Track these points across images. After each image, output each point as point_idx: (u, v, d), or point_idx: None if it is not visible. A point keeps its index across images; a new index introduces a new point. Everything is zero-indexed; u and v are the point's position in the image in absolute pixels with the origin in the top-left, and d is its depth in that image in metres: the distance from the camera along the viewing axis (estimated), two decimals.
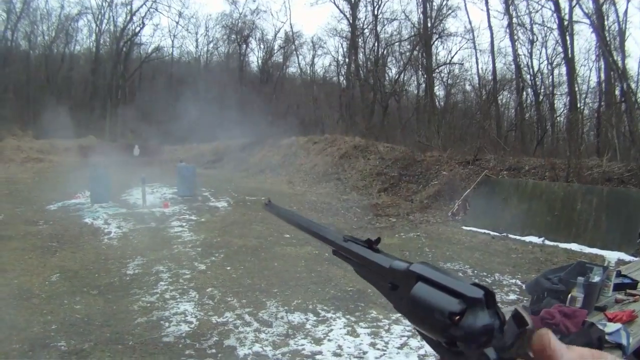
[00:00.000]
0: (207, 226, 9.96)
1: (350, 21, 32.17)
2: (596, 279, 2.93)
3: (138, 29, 38.47)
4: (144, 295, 5.72)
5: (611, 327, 2.52)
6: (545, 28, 24.19)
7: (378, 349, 4.44)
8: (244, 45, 41.54)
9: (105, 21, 37.68)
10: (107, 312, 5.08)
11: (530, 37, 24.96)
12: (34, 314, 4.93)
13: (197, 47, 42.87)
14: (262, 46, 42.47)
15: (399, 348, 4.46)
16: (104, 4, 36.86)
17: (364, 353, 4.30)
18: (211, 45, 42.85)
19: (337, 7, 32.76)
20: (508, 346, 0.46)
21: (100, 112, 35.42)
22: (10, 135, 26.00)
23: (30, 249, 7.67)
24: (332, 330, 4.83)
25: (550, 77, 24.47)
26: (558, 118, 23.99)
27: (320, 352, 4.34)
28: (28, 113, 29.52)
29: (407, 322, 0.56)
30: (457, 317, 0.47)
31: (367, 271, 0.65)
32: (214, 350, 4.33)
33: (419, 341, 4.43)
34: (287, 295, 5.82)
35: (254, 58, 44.33)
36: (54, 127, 25.39)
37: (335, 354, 4.30)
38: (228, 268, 7.00)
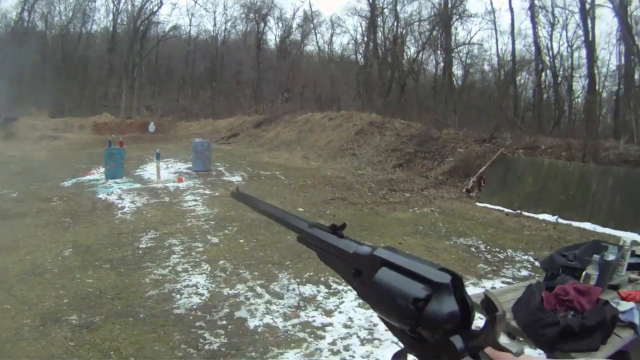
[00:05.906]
0: (221, 200, 9.93)
1: (370, 0, 31.80)
2: (611, 257, 2.92)
3: (156, 7, 38.51)
4: (156, 269, 5.73)
5: (624, 305, 2.56)
6: (567, 11, 24.07)
7: None
8: (262, 24, 41.37)
9: (122, 1, 37.80)
10: (119, 286, 5.11)
11: (551, 20, 24.95)
12: (46, 289, 4.96)
13: (214, 25, 43.01)
14: (280, 25, 42.39)
15: None
16: None
17: (374, 325, 4.31)
18: (229, 23, 42.77)
19: None
20: (476, 333, 0.45)
21: (116, 90, 35.66)
22: (25, 114, 26.32)
23: (44, 225, 7.69)
24: (343, 302, 4.83)
25: (570, 59, 24.46)
26: (576, 100, 23.90)
27: (330, 324, 4.35)
28: (43, 92, 29.81)
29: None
30: (422, 303, 0.46)
31: (330, 257, 0.65)
32: (224, 322, 4.34)
33: None
34: (299, 268, 5.82)
35: (272, 36, 44.15)
36: (69, 105, 25.60)
37: (346, 326, 4.32)
38: (241, 241, 7.00)
